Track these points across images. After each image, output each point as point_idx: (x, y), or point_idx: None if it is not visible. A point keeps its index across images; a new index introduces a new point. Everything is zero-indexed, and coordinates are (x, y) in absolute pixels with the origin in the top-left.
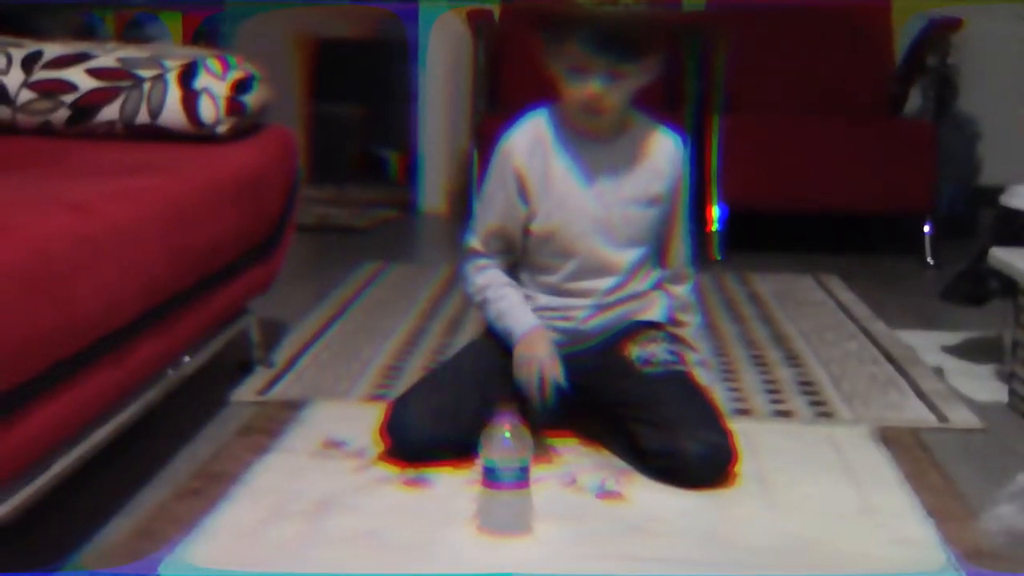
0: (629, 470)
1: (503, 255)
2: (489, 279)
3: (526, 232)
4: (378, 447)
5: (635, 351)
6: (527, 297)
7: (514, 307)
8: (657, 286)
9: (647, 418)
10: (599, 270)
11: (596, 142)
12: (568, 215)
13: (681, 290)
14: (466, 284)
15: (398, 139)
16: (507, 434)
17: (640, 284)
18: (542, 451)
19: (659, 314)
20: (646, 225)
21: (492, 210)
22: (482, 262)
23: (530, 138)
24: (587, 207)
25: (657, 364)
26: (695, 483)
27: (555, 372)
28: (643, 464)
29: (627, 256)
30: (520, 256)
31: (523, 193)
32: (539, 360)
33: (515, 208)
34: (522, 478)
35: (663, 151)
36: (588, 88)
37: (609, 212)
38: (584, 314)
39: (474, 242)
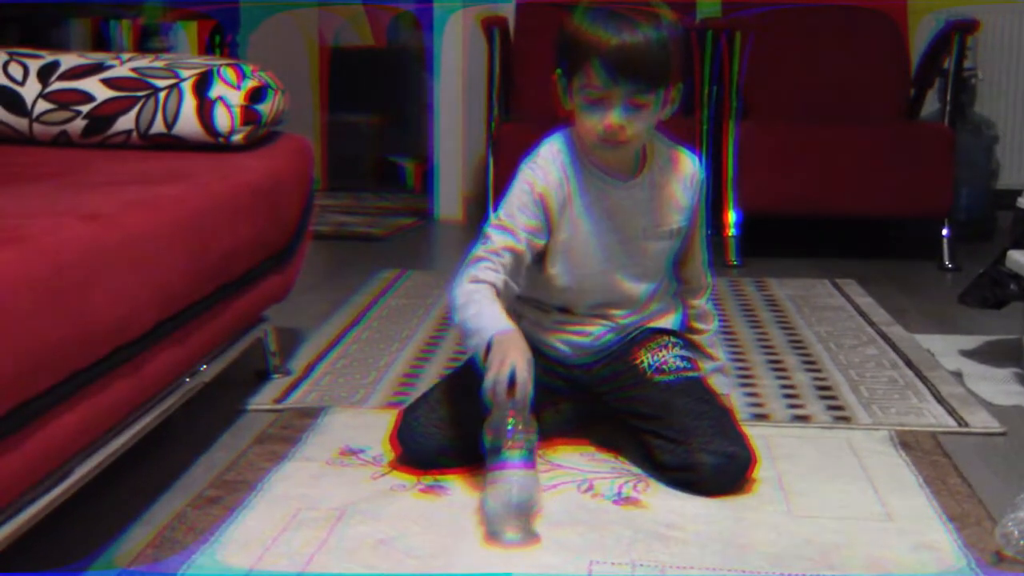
0: (646, 476)
1: (508, 274)
2: (480, 287)
3: (543, 266)
4: (389, 455)
5: (647, 358)
6: (543, 311)
7: (497, 313)
8: (674, 299)
9: (660, 431)
10: (615, 303)
11: (615, 179)
12: (587, 254)
13: (698, 300)
14: (455, 285)
15: (414, 147)
16: (511, 422)
17: (658, 306)
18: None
19: (672, 322)
20: (664, 258)
21: (513, 232)
22: (484, 275)
23: (557, 171)
24: (606, 246)
25: (669, 371)
26: (713, 493)
27: (527, 380)
28: (659, 476)
29: (643, 288)
30: (528, 288)
31: (549, 224)
32: (514, 362)
33: (540, 236)
34: (529, 460)
35: (682, 180)
36: (608, 119)
37: (628, 248)
38: (599, 331)
39: (482, 252)
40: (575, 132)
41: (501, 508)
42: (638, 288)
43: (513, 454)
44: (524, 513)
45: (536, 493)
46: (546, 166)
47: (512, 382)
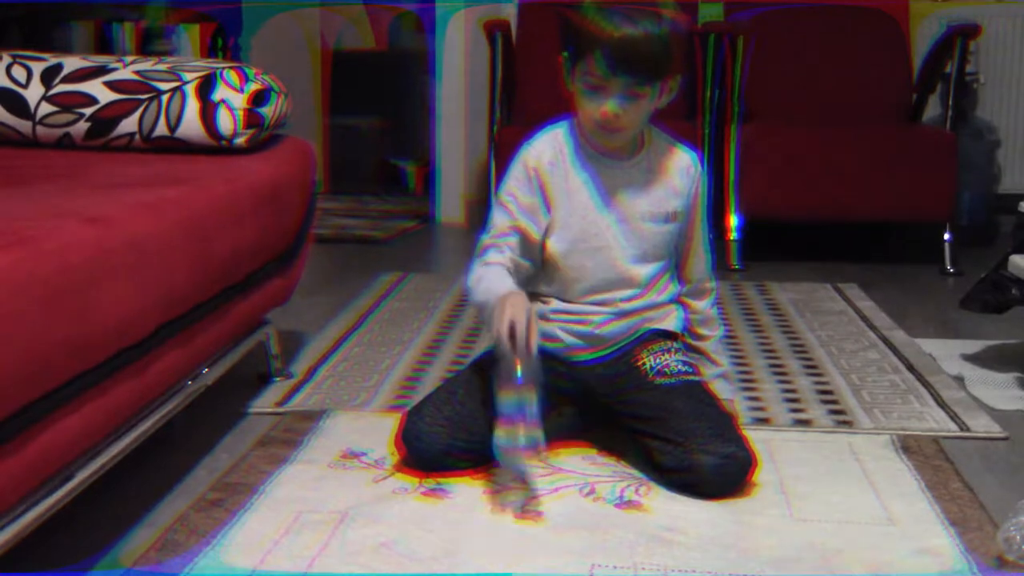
0: (648, 480)
1: (515, 256)
2: (490, 267)
3: (542, 247)
4: (394, 457)
5: (649, 361)
6: (543, 301)
7: (502, 281)
8: (676, 299)
9: (660, 433)
10: (616, 284)
11: (613, 159)
12: (584, 231)
13: (702, 304)
14: (470, 274)
15: (416, 150)
16: (519, 371)
17: (658, 296)
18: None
19: (674, 324)
20: (662, 241)
21: (511, 211)
22: (493, 258)
23: (551, 149)
24: (603, 223)
25: (671, 375)
26: (713, 495)
27: (529, 330)
28: (659, 478)
29: (644, 270)
30: (536, 270)
31: (546, 200)
32: (513, 316)
33: (537, 212)
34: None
35: (679, 168)
36: (604, 108)
37: (625, 228)
38: (601, 319)
39: (488, 240)
40: (577, 117)
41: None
42: (638, 270)
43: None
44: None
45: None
46: (540, 144)
47: (512, 331)
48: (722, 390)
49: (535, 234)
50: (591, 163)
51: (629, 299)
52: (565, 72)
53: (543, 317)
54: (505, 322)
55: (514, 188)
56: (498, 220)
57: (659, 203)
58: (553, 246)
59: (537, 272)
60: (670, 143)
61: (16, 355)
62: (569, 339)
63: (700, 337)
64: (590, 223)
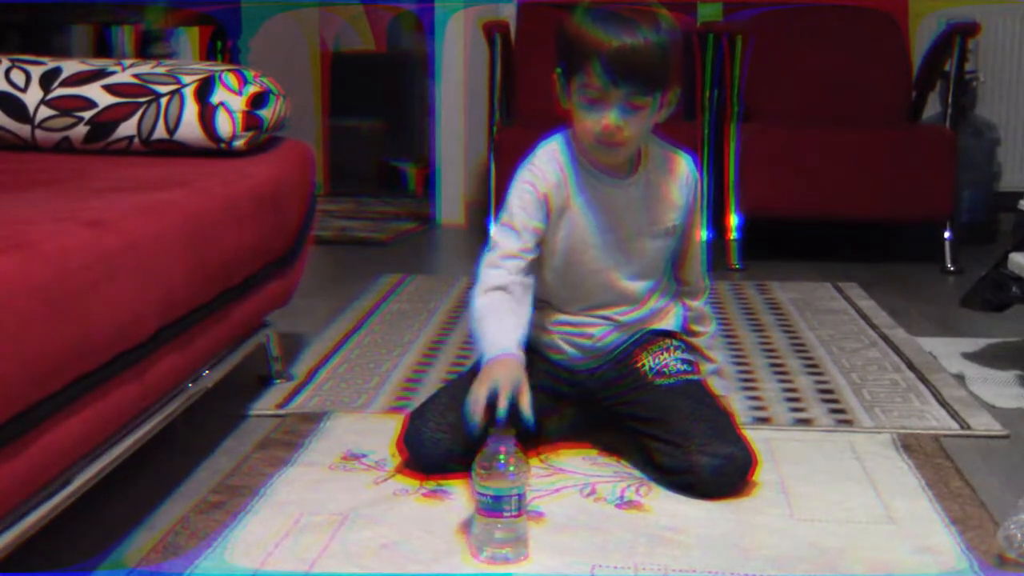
0: (648, 480)
1: (519, 274)
2: (493, 297)
3: (541, 266)
4: (395, 459)
5: (648, 362)
6: (543, 309)
7: (500, 331)
8: (674, 299)
9: (660, 434)
10: (614, 301)
11: (612, 177)
12: (582, 252)
13: (697, 303)
14: (473, 296)
15: (416, 151)
16: (501, 457)
17: (657, 303)
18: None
19: (673, 323)
20: (660, 256)
21: (519, 232)
22: (496, 278)
23: (556, 171)
24: (601, 244)
25: (670, 374)
26: (713, 495)
27: (516, 397)
28: (660, 479)
29: (642, 285)
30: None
31: (548, 222)
32: (496, 383)
33: (541, 233)
34: (520, 507)
35: (679, 181)
36: (605, 120)
37: (624, 247)
38: (601, 331)
39: (494, 259)
40: (573, 132)
41: (493, 559)
42: (636, 286)
43: (503, 502)
44: (515, 561)
45: (525, 540)
46: (544, 167)
47: (492, 403)
48: (717, 387)
49: (536, 254)
50: (590, 183)
51: (627, 312)
52: (559, 89)
53: (542, 328)
54: (484, 392)
55: (519, 211)
56: (504, 242)
57: (658, 220)
58: (551, 264)
59: (538, 286)
60: (665, 151)
61: (17, 358)
62: (571, 351)
63: (694, 333)
64: (592, 246)
